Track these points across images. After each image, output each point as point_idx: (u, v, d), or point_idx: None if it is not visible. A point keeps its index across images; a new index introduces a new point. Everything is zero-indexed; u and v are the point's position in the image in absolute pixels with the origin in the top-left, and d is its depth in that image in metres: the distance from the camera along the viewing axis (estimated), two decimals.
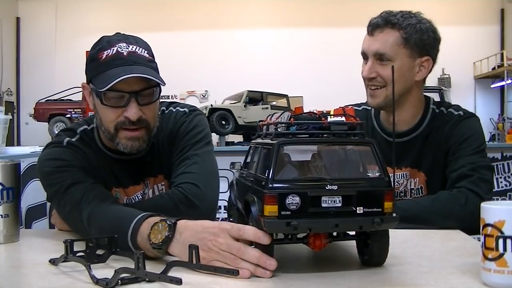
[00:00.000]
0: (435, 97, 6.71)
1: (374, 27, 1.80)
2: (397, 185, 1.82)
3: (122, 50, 1.46)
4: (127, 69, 1.42)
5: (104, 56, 1.45)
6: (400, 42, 1.77)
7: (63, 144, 1.57)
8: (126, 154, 1.55)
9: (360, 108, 1.97)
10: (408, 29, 1.76)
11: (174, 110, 1.68)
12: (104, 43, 1.49)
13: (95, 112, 1.55)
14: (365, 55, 1.83)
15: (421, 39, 1.78)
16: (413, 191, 1.82)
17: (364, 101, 2.01)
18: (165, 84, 1.48)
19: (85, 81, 1.54)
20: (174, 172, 1.56)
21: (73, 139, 1.59)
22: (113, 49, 1.46)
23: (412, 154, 1.82)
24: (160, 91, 1.52)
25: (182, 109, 1.67)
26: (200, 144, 1.60)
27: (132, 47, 1.48)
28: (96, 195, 1.44)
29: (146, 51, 1.51)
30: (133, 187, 1.64)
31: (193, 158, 1.55)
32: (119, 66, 1.43)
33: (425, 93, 1.94)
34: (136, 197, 1.63)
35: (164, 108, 1.69)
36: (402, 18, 1.78)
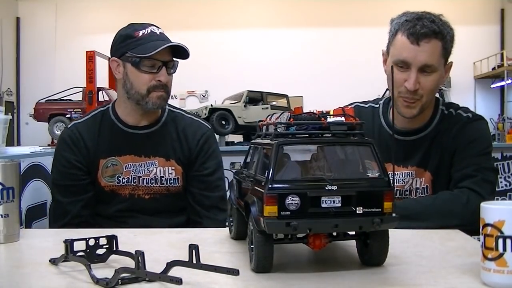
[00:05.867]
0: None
1: (421, 36, 1.68)
2: (402, 183, 1.82)
3: (155, 30, 1.89)
4: (164, 43, 1.84)
5: (140, 34, 1.86)
6: (442, 52, 1.72)
7: (63, 136, 1.98)
8: (134, 128, 1.95)
9: (366, 106, 1.95)
10: (447, 37, 1.72)
11: (201, 121, 2.07)
12: (136, 26, 1.90)
13: (125, 81, 1.90)
14: (405, 64, 1.72)
15: (452, 46, 1.76)
16: (418, 190, 1.82)
17: (372, 99, 2.01)
18: (187, 57, 1.91)
19: (113, 57, 1.92)
20: (196, 167, 1.98)
21: (78, 121, 2.01)
22: (148, 29, 1.88)
23: (419, 153, 1.82)
24: (177, 66, 1.95)
25: (205, 123, 2.07)
26: (219, 159, 2.05)
27: (160, 30, 1.92)
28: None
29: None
30: (130, 156, 1.94)
31: (214, 166, 2.01)
32: (155, 41, 1.85)
33: None
34: (130, 166, 1.93)
35: (184, 111, 2.09)
36: (442, 26, 1.71)
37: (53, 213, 1.98)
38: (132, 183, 1.93)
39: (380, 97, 2.02)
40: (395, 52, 1.75)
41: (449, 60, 1.78)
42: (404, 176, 1.82)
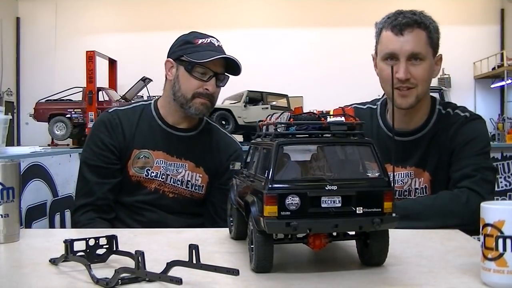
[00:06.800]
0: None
1: (403, 26, 1.73)
2: (401, 184, 1.82)
3: (214, 42, 1.96)
4: (218, 54, 1.91)
5: (199, 42, 1.94)
6: (428, 41, 1.75)
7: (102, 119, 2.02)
8: (172, 128, 2.00)
9: (365, 107, 1.96)
10: (431, 27, 1.76)
11: (234, 138, 2.17)
12: (197, 34, 1.99)
13: (174, 83, 1.96)
14: (393, 56, 1.76)
15: (438, 37, 1.79)
16: (417, 190, 1.82)
17: (369, 100, 2.01)
18: (238, 74, 1.97)
19: (169, 59, 1.98)
20: (223, 181, 2.00)
21: (122, 108, 2.07)
22: (207, 39, 1.95)
23: (417, 153, 1.82)
24: (227, 80, 1.99)
25: (237, 141, 2.16)
26: None
27: (220, 43, 1.98)
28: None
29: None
30: (163, 153, 1.98)
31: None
32: (212, 51, 1.91)
33: None
34: (161, 162, 1.97)
35: (220, 126, 2.17)
36: (424, 17, 1.75)
37: (78, 190, 2.01)
38: (160, 179, 1.97)
39: (380, 97, 2.02)
40: (382, 48, 1.80)
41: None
42: (403, 176, 1.82)
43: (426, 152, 1.82)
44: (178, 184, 1.99)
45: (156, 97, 2.12)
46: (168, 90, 2.01)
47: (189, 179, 2.00)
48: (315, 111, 1.13)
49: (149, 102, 2.09)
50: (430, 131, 1.83)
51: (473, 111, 1.87)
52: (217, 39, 1.99)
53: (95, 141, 1.99)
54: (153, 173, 1.96)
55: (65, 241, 1.14)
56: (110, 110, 2.07)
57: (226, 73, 1.97)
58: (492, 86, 9.87)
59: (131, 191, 1.98)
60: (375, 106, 1.96)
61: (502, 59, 9.16)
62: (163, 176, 1.97)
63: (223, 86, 2.00)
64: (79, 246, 1.16)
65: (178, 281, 0.95)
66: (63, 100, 7.53)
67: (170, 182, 1.98)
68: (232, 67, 1.97)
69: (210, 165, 2.03)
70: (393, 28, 1.74)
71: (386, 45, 1.77)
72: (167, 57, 2.00)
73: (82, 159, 2.02)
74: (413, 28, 1.73)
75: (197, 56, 1.90)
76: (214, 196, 2.04)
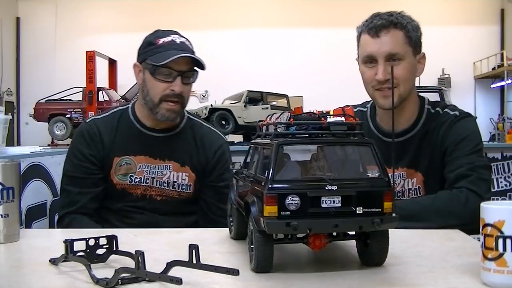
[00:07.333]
0: (435, 97, 6.68)
1: (379, 28, 1.75)
2: (394, 185, 1.82)
3: (176, 39, 1.90)
4: (180, 52, 1.85)
5: (161, 41, 1.88)
6: (406, 40, 1.76)
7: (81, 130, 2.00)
8: (152, 130, 1.96)
9: (355, 110, 1.96)
10: (409, 27, 1.77)
11: (218, 132, 2.10)
12: (159, 33, 1.93)
13: (143, 87, 1.93)
14: (371, 58, 1.78)
15: (417, 36, 1.80)
16: (410, 191, 1.82)
17: (360, 103, 2.02)
18: (205, 69, 1.90)
19: (136, 62, 1.95)
20: (213, 178, 2.00)
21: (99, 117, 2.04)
22: (169, 38, 1.89)
23: (408, 154, 1.82)
24: (197, 76, 1.94)
25: (221, 135, 2.10)
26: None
27: (183, 38, 1.93)
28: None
29: (191, 45, 1.94)
30: (145, 157, 1.95)
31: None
32: (174, 50, 1.85)
33: (425, 93, 1.94)
34: (143, 166, 1.95)
35: (202, 121, 2.13)
36: (401, 18, 1.77)
37: (61, 203, 2.00)
38: (145, 184, 1.95)
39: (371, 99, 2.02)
40: (361, 51, 1.82)
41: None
42: (395, 177, 1.82)
43: (418, 152, 1.82)
44: (165, 186, 1.96)
45: (134, 99, 2.09)
46: (140, 94, 1.99)
47: (175, 179, 1.97)
48: (315, 111, 1.13)
49: (127, 106, 2.05)
50: (420, 131, 1.83)
51: (462, 110, 1.87)
52: (180, 35, 1.93)
53: (74, 152, 1.98)
54: (137, 178, 1.94)
55: (65, 241, 1.14)
56: (88, 120, 2.05)
57: (195, 68, 1.91)
58: (492, 86, 9.88)
59: (117, 199, 1.96)
60: (365, 109, 1.97)
61: (502, 59, 9.16)
62: (147, 181, 1.95)
63: (193, 82, 1.95)
64: (79, 246, 1.16)
65: (178, 281, 0.95)
66: (63, 100, 7.54)
67: (156, 185, 1.95)
68: (199, 62, 1.90)
69: (195, 162, 2.00)
70: (369, 31, 1.77)
71: (364, 48, 1.80)
72: (136, 60, 1.97)
73: (64, 171, 2.00)
74: (389, 29, 1.75)
75: (158, 58, 1.85)
76: (206, 194, 2.01)
